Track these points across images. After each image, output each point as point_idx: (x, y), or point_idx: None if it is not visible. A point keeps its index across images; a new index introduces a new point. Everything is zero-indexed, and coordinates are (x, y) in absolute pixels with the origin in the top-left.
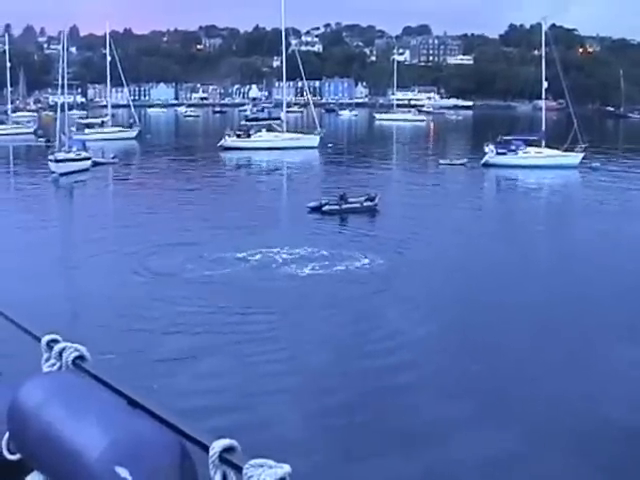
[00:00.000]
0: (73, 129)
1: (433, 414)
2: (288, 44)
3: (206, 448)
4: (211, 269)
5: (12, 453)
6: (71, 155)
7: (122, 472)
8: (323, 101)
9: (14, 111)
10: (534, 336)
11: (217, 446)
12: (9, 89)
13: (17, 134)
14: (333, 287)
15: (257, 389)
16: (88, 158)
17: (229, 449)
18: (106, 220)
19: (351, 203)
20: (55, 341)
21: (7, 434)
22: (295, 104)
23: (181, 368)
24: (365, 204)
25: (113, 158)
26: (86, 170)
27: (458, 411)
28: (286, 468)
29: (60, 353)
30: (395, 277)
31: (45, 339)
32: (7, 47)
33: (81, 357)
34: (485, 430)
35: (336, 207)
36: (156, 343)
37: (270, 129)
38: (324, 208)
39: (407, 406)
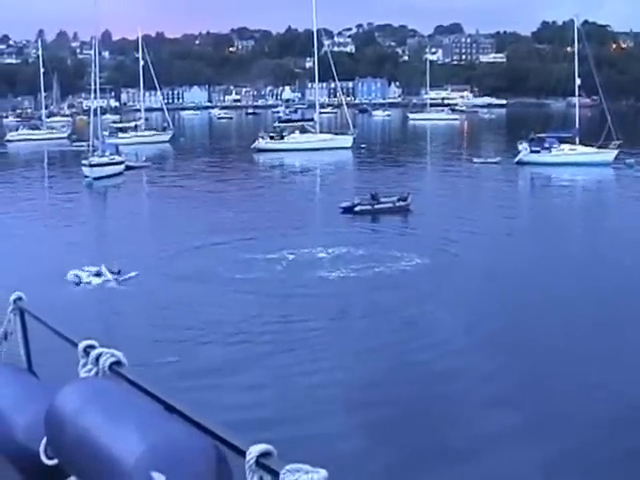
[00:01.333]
0: (105, 133)
1: (488, 425)
2: (320, 45)
3: (242, 453)
4: (246, 271)
5: (50, 458)
6: (105, 159)
7: (159, 477)
8: (356, 101)
9: (48, 116)
10: (594, 335)
11: (254, 451)
12: (43, 94)
13: (51, 139)
14: (373, 289)
15: (302, 402)
16: (121, 162)
17: (265, 454)
18: (140, 223)
19: (383, 203)
20: (92, 347)
21: (45, 439)
22: (328, 105)
23: (221, 380)
24: (397, 204)
25: (145, 162)
26: (119, 174)
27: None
28: (322, 473)
29: (97, 359)
30: (433, 278)
31: (82, 345)
32: (40, 52)
33: (118, 363)
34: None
35: (368, 207)
36: (192, 353)
37: (303, 130)
38: (356, 208)
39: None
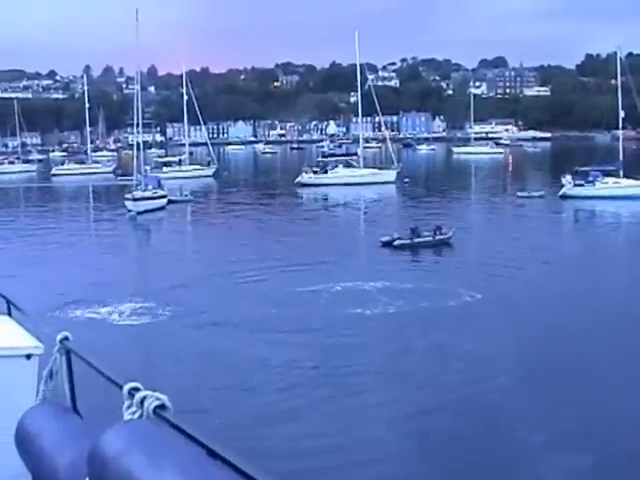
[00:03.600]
0: (147, 168)
1: None
2: (364, 79)
3: None
4: (287, 306)
5: None
6: (148, 193)
7: None
8: (400, 136)
9: (94, 150)
10: None
11: None
12: (88, 129)
13: (97, 173)
14: (419, 325)
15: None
16: (164, 196)
17: None
18: (185, 258)
19: (423, 237)
20: (136, 389)
21: (87, 479)
22: (373, 139)
23: (271, 429)
24: (437, 237)
25: (186, 196)
26: (162, 208)
27: None
28: None
29: (142, 401)
30: (478, 315)
31: (127, 387)
32: (86, 88)
33: (162, 406)
34: None
35: (408, 241)
36: (237, 399)
37: (347, 165)
38: (395, 243)
39: None
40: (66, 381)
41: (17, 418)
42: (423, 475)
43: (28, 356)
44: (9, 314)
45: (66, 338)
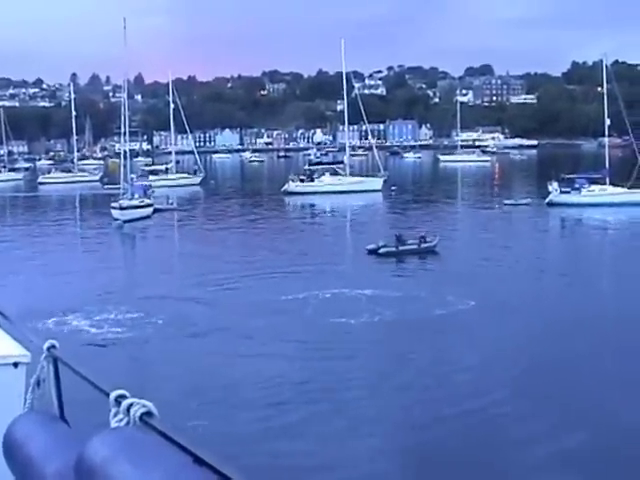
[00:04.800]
0: (133, 176)
1: None
2: (351, 88)
3: None
4: (271, 314)
5: None
6: (134, 202)
7: None
8: (387, 144)
9: (81, 159)
10: None
11: None
12: (75, 137)
13: (83, 181)
14: (394, 334)
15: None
16: (150, 205)
17: None
18: (171, 266)
19: (408, 245)
20: (123, 397)
21: None
22: (360, 147)
23: (269, 444)
24: (423, 245)
25: (171, 204)
26: (148, 217)
27: None
28: None
29: (128, 409)
30: (475, 322)
31: (113, 394)
32: (73, 96)
33: (148, 413)
34: None
35: (393, 249)
36: (218, 415)
37: (334, 173)
38: (381, 250)
39: None
40: (53, 389)
41: (4, 427)
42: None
43: (15, 364)
44: None
45: (53, 346)
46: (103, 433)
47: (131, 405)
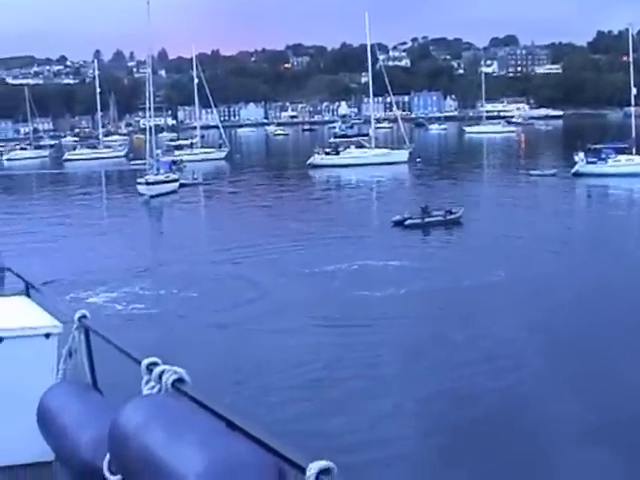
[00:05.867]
0: (158, 152)
1: None
2: (375, 60)
3: (303, 470)
4: (300, 285)
5: (113, 474)
6: (160, 177)
7: None
8: (412, 116)
9: (106, 135)
10: None
11: (314, 467)
12: (100, 114)
13: (109, 157)
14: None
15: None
16: (176, 180)
17: (325, 470)
18: (201, 240)
19: (434, 216)
20: (155, 364)
21: (108, 455)
22: (384, 119)
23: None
24: (448, 217)
25: (195, 179)
26: (174, 192)
27: None
28: None
29: (160, 376)
30: (507, 294)
31: (145, 362)
32: (97, 73)
33: (180, 380)
34: None
35: (418, 221)
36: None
37: (359, 145)
38: (406, 222)
39: None
40: (85, 359)
41: (38, 396)
42: None
43: (47, 335)
44: (27, 295)
45: (84, 316)
46: (136, 401)
47: (163, 372)
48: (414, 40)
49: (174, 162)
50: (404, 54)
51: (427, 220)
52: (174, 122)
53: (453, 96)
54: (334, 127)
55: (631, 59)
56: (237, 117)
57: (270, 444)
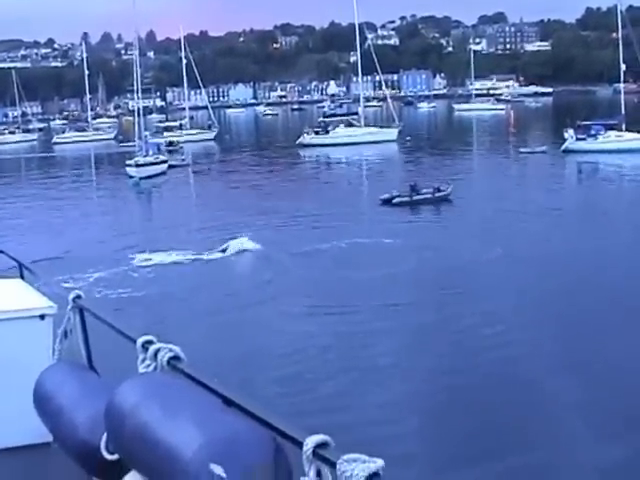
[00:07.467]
0: (147, 133)
1: None
2: (364, 39)
3: (300, 444)
4: (290, 265)
5: (110, 453)
6: (149, 159)
7: (217, 469)
8: (402, 94)
9: (94, 118)
10: None
11: (310, 442)
12: (88, 96)
13: (98, 140)
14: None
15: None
16: (164, 161)
17: (322, 444)
18: (190, 218)
19: (422, 194)
20: (150, 342)
21: (105, 434)
22: (374, 98)
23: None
24: (437, 195)
25: (183, 161)
26: (163, 173)
27: None
28: (379, 462)
29: (155, 354)
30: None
31: (140, 340)
32: (85, 55)
33: (176, 357)
34: None
35: (407, 199)
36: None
37: (348, 124)
38: (395, 200)
39: None
40: (81, 339)
41: (34, 378)
42: None
43: (42, 316)
44: (21, 277)
45: (78, 296)
46: (132, 379)
47: (158, 350)
48: (402, 18)
49: (170, 143)
50: (393, 32)
51: (415, 198)
52: (163, 103)
53: (442, 74)
54: (323, 106)
55: (620, 35)
56: (226, 98)
57: (266, 419)
